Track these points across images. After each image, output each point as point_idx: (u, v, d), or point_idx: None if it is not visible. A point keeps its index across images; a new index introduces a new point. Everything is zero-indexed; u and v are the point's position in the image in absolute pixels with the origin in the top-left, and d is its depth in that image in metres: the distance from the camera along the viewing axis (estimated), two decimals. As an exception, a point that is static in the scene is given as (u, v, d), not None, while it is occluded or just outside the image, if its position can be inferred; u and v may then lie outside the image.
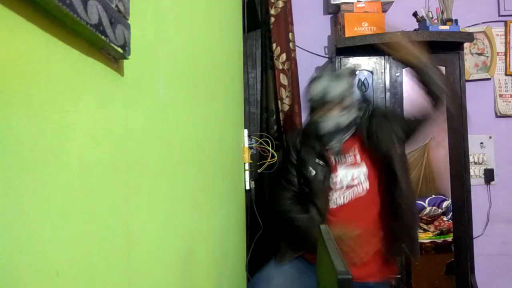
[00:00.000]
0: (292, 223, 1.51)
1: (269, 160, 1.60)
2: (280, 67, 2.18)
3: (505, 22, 2.54)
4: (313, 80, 1.53)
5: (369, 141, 1.48)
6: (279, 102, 2.17)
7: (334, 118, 1.47)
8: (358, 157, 1.50)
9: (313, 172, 1.50)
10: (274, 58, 2.17)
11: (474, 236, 2.18)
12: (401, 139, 1.49)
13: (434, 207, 2.61)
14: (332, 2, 2.32)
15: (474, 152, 2.51)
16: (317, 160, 1.51)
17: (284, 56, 2.18)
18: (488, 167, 2.53)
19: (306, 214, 1.48)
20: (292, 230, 1.52)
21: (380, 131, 1.47)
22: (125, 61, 0.46)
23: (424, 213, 2.62)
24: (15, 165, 0.27)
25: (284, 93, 2.17)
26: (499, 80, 2.56)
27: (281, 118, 2.16)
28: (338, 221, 1.46)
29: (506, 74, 2.55)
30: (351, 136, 1.51)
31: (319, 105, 1.48)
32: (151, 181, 0.54)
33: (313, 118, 1.53)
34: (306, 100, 1.55)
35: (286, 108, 2.17)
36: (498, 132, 2.54)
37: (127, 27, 0.43)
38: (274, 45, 2.18)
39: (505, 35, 2.54)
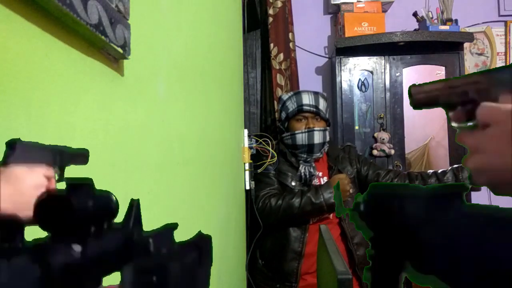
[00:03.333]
0: (291, 211, 1.47)
1: (269, 160, 1.60)
2: (277, 67, 2.18)
3: (505, 22, 2.54)
4: (302, 91, 1.63)
5: (330, 172, 1.61)
6: (274, 102, 2.16)
7: (320, 131, 1.57)
8: (322, 180, 1.59)
9: (294, 183, 1.57)
10: (271, 58, 2.17)
11: (474, 236, 2.18)
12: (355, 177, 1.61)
13: (434, 207, 2.61)
14: (332, 2, 2.32)
15: (474, 152, 2.51)
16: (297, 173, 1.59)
17: (281, 56, 2.18)
18: (488, 167, 2.53)
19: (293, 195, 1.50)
20: (296, 214, 1.49)
21: (340, 165, 1.61)
22: (125, 61, 0.46)
23: (424, 213, 2.62)
24: (15, 165, 0.27)
25: (280, 93, 2.17)
26: (499, 80, 2.55)
27: (277, 118, 2.16)
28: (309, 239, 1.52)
29: (506, 74, 2.55)
30: (320, 159, 1.62)
31: (308, 113, 1.57)
32: (151, 180, 0.54)
33: (294, 128, 1.58)
34: (295, 106, 1.58)
35: None
36: (498, 132, 2.54)
37: (127, 27, 0.43)
38: (271, 45, 2.18)
39: (505, 35, 2.54)
